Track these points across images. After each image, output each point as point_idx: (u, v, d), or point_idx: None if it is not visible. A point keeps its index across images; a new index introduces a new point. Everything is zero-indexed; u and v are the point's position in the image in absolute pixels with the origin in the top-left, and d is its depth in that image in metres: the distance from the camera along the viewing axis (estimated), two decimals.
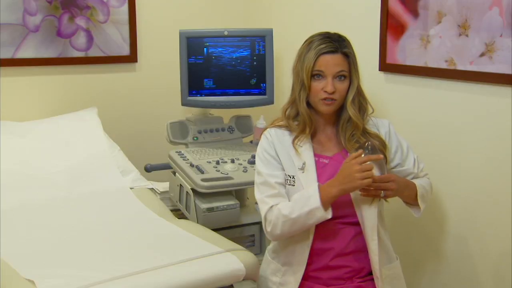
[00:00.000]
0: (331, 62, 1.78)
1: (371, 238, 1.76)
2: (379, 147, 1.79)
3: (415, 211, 1.86)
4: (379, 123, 1.90)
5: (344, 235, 1.80)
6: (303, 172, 1.81)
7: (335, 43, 1.79)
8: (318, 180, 1.79)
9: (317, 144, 1.87)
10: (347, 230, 1.80)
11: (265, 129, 1.93)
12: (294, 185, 1.81)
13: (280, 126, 1.90)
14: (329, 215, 1.72)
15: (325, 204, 1.71)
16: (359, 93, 1.83)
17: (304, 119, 1.83)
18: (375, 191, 1.72)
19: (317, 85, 1.79)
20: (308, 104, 1.84)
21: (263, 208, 1.82)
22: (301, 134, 1.84)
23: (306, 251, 1.80)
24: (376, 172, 1.73)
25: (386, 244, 1.84)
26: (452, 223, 2.13)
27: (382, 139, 1.85)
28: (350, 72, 1.80)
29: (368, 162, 1.68)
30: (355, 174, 1.66)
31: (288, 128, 1.87)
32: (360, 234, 1.79)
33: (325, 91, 1.77)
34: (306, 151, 1.83)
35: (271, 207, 1.79)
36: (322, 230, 1.80)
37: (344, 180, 1.69)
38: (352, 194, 1.77)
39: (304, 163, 1.81)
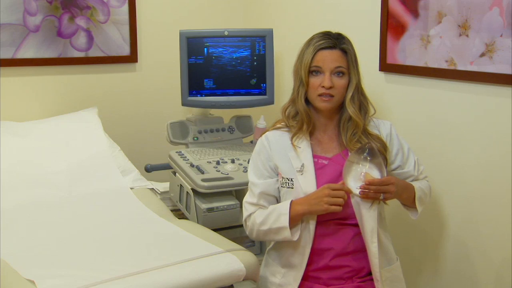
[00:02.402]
0: (329, 58, 1.78)
1: (370, 241, 1.76)
2: (379, 148, 1.79)
3: (413, 214, 1.86)
4: (381, 124, 1.89)
5: (343, 235, 1.80)
6: (301, 174, 1.80)
7: (334, 40, 1.80)
8: (317, 181, 1.79)
9: (317, 144, 1.86)
10: (347, 230, 1.80)
11: (264, 131, 1.93)
12: (292, 188, 1.81)
13: (279, 128, 1.90)
14: (294, 238, 1.77)
15: (293, 220, 1.76)
16: (359, 92, 1.83)
17: (302, 117, 1.83)
18: (374, 194, 1.71)
19: (315, 81, 1.79)
20: (308, 102, 1.84)
21: (244, 213, 1.91)
22: (299, 131, 1.84)
23: (307, 253, 1.80)
24: (376, 175, 1.73)
25: (386, 246, 1.84)
26: (452, 225, 2.13)
27: (383, 141, 1.84)
28: (348, 69, 1.81)
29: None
30: (324, 198, 1.71)
31: (287, 128, 1.87)
32: (359, 235, 1.79)
33: (323, 86, 1.78)
34: (305, 152, 1.83)
35: (250, 214, 1.87)
36: (321, 230, 1.80)
37: (312, 202, 1.74)
38: (352, 197, 1.77)
39: (302, 165, 1.81)
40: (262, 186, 1.85)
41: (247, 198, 1.89)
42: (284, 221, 1.76)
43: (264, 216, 1.82)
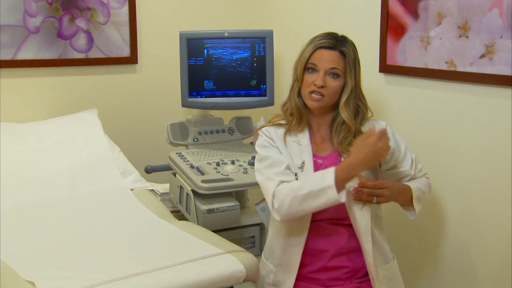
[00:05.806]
0: (326, 57, 1.79)
1: (365, 240, 1.77)
2: None
3: (411, 214, 1.86)
4: (376, 125, 1.89)
5: (339, 236, 1.81)
6: (301, 171, 1.81)
7: (335, 41, 1.81)
8: None
9: (313, 144, 1.87)
10: (342, 231, 1.81)
11: (261, 128, 1.93)
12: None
13: (275, 125, 1.90)
14: (342, 198, 1.65)
15: (340, 183, 1.65)
16: (357, 96, 1.83)
17: (293, 111, 1.84)
18: (367, 197, 1.72)
19: (309, 78, 1.80)
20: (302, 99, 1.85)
21: (270, 185, 1.74)
22: (291, 127, 1.85)
23: (300, 252, 1.80)
24: (369, 178, 1.73)
25: (381, 245, 1.84)
26: (451, 224, 2.13)
27: None
28: (345, 72, 1.80)
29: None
30: (378, 145, 1.66)
31: (284, 125, 1.88)
32: (354, 235, 1.80)
33: (315, 84, 1.78)
34: (306, 150, 1.83)
35: (281, 183, 1.73)
36: (316, 230, 1.80)
37: (368, 157, 1.66)
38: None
39: (303, 162, 1.81)
40: (286, 162, 1.78)
41: (271, 171, 1.76)
42: (329, 180, 1.63)
43: (301, 182, 1.71)
